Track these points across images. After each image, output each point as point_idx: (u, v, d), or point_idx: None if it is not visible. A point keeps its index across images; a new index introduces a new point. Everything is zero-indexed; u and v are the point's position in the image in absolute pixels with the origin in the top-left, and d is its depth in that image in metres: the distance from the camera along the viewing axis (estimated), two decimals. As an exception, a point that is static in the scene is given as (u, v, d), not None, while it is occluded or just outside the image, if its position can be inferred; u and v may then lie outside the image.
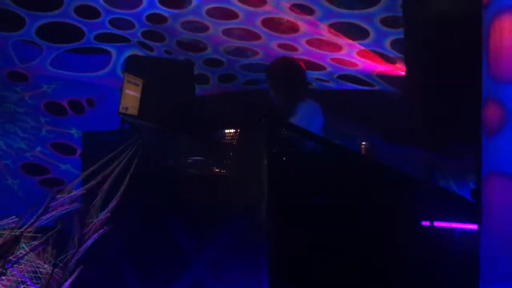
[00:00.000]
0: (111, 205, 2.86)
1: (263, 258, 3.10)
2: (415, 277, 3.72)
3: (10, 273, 2.41)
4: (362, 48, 4.85)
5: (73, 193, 2.79)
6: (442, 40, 3.47)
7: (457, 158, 5.10)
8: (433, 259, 3.79)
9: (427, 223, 4.00)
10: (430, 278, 3.77)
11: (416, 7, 3.71)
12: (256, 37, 5.02)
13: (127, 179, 3.09)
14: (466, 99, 3.07)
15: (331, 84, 5.75)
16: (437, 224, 4.04)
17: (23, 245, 2.46)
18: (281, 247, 3.14)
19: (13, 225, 2.50)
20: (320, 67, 5.38)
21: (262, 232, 3.15)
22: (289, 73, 4.03)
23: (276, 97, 4.05)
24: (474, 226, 3.84)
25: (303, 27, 4.71)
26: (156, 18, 4.87)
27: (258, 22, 4.76)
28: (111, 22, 4.95)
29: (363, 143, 4.01)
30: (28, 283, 2.42)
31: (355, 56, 5.00)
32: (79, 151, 5.98)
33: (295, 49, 5.12)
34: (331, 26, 4.61)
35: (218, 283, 3.28)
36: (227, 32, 5.04)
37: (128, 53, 5.43)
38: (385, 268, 3.59)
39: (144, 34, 5.16)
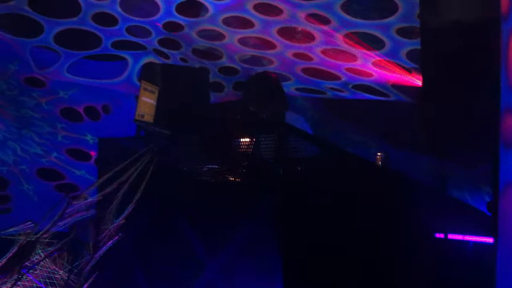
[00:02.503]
0: (126, 212, 2.87)
1: (276, 262, 3.10)
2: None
3: (25, 278, 2.43)
4: (378, 58, 4.84)
5: (88, 200, 2.80)
6: (459, 50, 3.45)
7: (471, 168, 5.06)
8: (446, 271, 3.76)
9: (441, 235, 3.96)
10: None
11: (433, 17, 3.69)
12: (272, 46, 5.03)
13: (142, 186, 3.11)
14: (482, 109, 3.05)
15: (346, 94, 5.74)
16: (451, 236, 4.01)
17: (39, 251, 2.47)
18: (295, 251, 3.14)
19: (29, 230, 2.52)
20: (335, 77, 5.38)
21: (275, 236, 3.15)
22: (270, 88, 4.07)
23: (258, 111, 4.06)
24: (488, 239, 3.80)
25: (318, 36, 4.72)
26: (173, 26, 4.90)
27: (274, 31, 4.77)
28: (128, 29, 4.98)
29: (378, 153, 4.00)
30: (43, 288, 2.44)
31: (370, 66, 4.99)
32: (94, 157, 6.02)
33: (310, 59, 5.12)
34: (346, 36, 4.61)
35: (231, 287, 3.28)
36: (243, 41, 5.05)
37: (144, 60, 5.47)
38: (398, 278, 3.57)
39: (160, 41, 5.19)
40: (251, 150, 3.45)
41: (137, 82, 5.34)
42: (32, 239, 2.44)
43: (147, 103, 3.85)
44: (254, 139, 3.44)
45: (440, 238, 3.89)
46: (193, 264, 3.40)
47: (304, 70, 5.41)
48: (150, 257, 3.60)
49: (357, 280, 3.38)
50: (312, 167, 3.48)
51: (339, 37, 4.62)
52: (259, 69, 5.38)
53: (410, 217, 3.58)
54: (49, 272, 2.47)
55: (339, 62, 5.03)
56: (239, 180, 3.47)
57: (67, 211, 2.62)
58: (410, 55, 4.65)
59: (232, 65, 5.54)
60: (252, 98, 4.07)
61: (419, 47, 4.22)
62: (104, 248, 2.72)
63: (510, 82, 2.06)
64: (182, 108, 4.05)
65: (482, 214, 4.11)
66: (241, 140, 3.51)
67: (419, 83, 4.74)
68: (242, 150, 3.49)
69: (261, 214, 3.18)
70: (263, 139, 3.35)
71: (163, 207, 3.57)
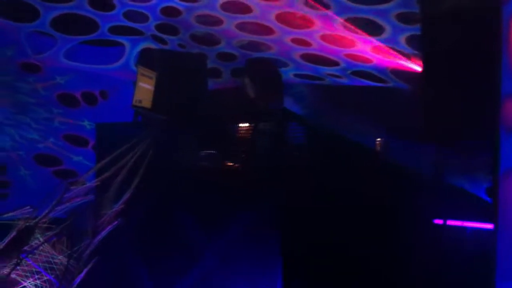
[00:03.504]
0: (125, 197, 2.86)
1: (274, 250, 3.11)
2: (426, 273, 3.70)
3: (25, 263, 2.42)
4: (377, 44, 4.82)
5: (86, 185, 2.79)
6: (459, 36, 3.44)
7: (470, 156, 5.06)
8: (444, 257, 3.77)
9: (440, 221, 3.98)
10: (441, 275, 3.75)
11: (433, 3, 3.68)
12: (270, 31, 5.00)
13: (140, 171, 3.10)
14: (482, 96, 3.04)
15: (344, 80, 5.72)
16: (449, 222, 4.03)
17: (38, 236, 2.47)
18: (292, 240, 3.14)
19: (28, 215, 2.51)
20: (333, 63, 5.35)
21: (273, 225, 3.15)
22: (269, 75, 4.08)
23: (257, 98, 4.07)
24: (485, 225, 3.81)
25: (317, 22, 4.69)
26: (170, 11, 4.86)
27: (273, 16, 4.74)
28: (126, 14, 4.94)
29: (378, 139, 4.00)
30: (43, 273, 2.43)
31: (370, 52, 4.97)
32: (91, 143, 6.00)
33: (309, 44, 5.09)
34: (346, 21, 4.58)
35: (229, 275, 3.28)
36: (241, 26, 5.02)
37: (141, 46, 5.43)
38: (396, 264, 3.58)
39: (158, 27, 5.15)
40: (250, 136, 3.44)
41: (135, 68, 5.31)
42: (31, 224, 2.44)
43: (144, 88, 3.83)
44: (253, 126, 3.43)
45: (439, 225, 3.90)
46: (191, 252, 3.41)
47: (303, 56, 5.38)
48: (149, 244, 3.60)
49: (357, 267, 3.39)
50: (312, 155, 3.48)
51: (338, 22, 4.59)
52: (258, 55, 5.36)
53: (410, 204, 3.59)
54: (48, 257, 2.47)
55: (338, 48, 5.01)
56: (238, 166, 3.46)
57: (65, 196, 2.62)
58: (410, 40, 4.62)
59: (230, 51, 5.51)
60: (251, 85, 4.06)
61: (418, 33, 4.20)
62: (103, 233, 2.71)
63: (511, 66, 2.05)
64: (180, 94, 4.02)
65: (481, 201, 4.12)
66: (240, 126, 3.50)
67: (418, 69, 4.72)
68: (241, 136, 3.49)
69: (262, 204, 3.18)
70: (262, 125, 3.34)
71: (161, 194, 3.56)
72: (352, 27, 4.60)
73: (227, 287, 3.30)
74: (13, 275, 2.35)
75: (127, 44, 5.48)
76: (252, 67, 4.26)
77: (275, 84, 4.17)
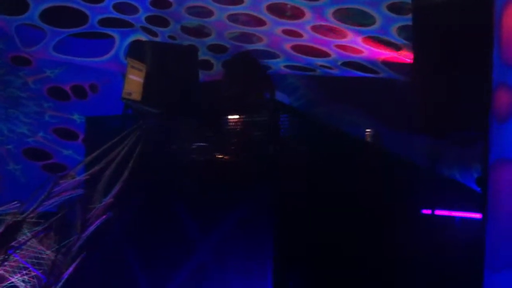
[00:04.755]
0: (114, 191, 2.84)
1: (267, 243, 3.10)
2: (416, 264, 3.71)
3: (12, 259, 2.40)
4: (368, 34, 4.80)
5: (76, 179, 2.77)
6: (451, 26, 3.42)
7: (461, 146, 5.07)
8: (433, 247, 3.78)
9: (428, 211, 3.99)
10: (431, 265, 3.76)
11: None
12: (261, 23, 4.98)
13: (130, 164, 3.08)
14: (474, 86, 3.03)
15: (335, 71, 5.71)
16: (438, 212, 4.03)
17: (26, 231, 2.44)
18: (285, 232, 3.13)
19: (15, 210, 2.48)
20: (324, 54, 5.34)
21: (266, 218, 3.14)
22: (249, 69, 4.09)
23: (242, 93, 4.05)
24: (475, 214, 3.82)
25: (308, 13, 4.66)
26: (161, 3, 4.82)
27: (264, 7, 4.71)
28: (115, 6, 4.90)
29: (367, 130, 4.00)
30: (30, 268, 2.41)
31: (361, 43, 4.95)
32: (81, 137, 5.96)
33: (300, 35, 5.07)
34: (337, 11, 4.56)
35: (222, 267, 3.28)
36: (232, 18, 4.99)
37: (131, 38, 5.39)
38: (386, 255, 3.59)
39: (148, 19, 5.12)
40: (241, 128, 3.42)
41: (125, 60, 5.27)
42: (19, 219, 2.41)
43: (134, 81, 3.80)
44: (244, 118, 3.42)
45: (427, 214, 3.91)
46: (185, 245, 3.40)
47: (294, 47, 5.36)
48: (141, 237, 3.59)
49: (345, 257, 3.39)
50: (304, 146, 3.47)
51: (329, 13, 4.57)
52: (249, 47, 5.34)
53: (399, 194, 3.59)
54: (36, 252, 2.45)
55: (329, 39, 4.99)
56: (229, 158, 3.45)
57: (54, 190, 2.59)
58: (401, 31, 4.61)
59: (221, 42, 5.48)
60: (232, 81, 4.06)
61: (410, 23, 4.18)
62: (92, 228, 2.69)
63: (503, 54, 2.03)
64: (171, 86, 4.00)
65: (470, 191, 4.13)
66: (232, 118, 3.49)
67: (409, 60, 4.71)
68: (233, 128, 3.47)
69: (254, 195, 3.17)
70: (253, 117, 3.33)
71: (154, 187, 3.55)
72: (343, 18, 4.59)
73: (220, 281, 3.29)
74: (0, 271, 2.33)
75: (117, 37, 5.44)
76: (232, 62, 4.26)
77: (257, 78, 4.15)
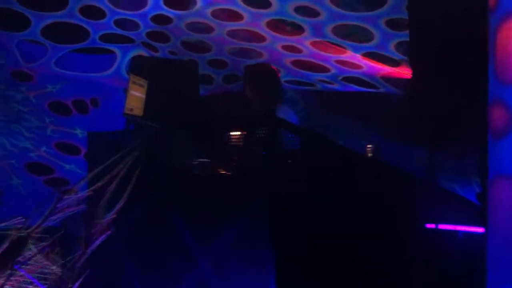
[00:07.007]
0: (118, 206, 2.86)
1: (268, 256, 3.11)
2: (419, 279, 3.72)
3: (18, 273, 2.42)
4: (367, 50, 4.85)
5: (79, 194, 2.79)
6: (447, 42, 3.48)
7: (461, 158, 5.10)
8: (437, 261, 3.79)
9: (432, 225, 4.00)
10: (434, 280, 3.77)
11: (422, 9, 3.71)
12: (261, 38, 5.03)
13: (133, 180, 3.10)
14: (471, 99, 3.08)
15: (336, 86, 5.75)
16: (441, 226, 4.04)
17: (31, 246, 2.46)
18: (286, 245, 3.15)
19: (20, 225, 2.51)
20: (324, 69, 5.38)
21: (267, 231, 3.16)
22: (268, 79, 4.18)
23: (257, 102, 4.14)
24: (478, 229, 3.84)
25: (307, 29, 4.72)
26: (161, 19, 4.88)
27: (263, 23, 4.76)
28: (116, 22, 4.95)
29: (369, 145, 4.02)
30: (36, 284, 2.43)
31: (360, 59, 5.00)
32: (83, 151, 5.99)
33: (300, 51, 5.12)
34: (335, 28, 4.61)
35: (223, 281, 3.29)
36: (232, 34, 5.04)
37: (132, 53, 5.44)
38: (389, 269, 3.60)
39: (148, 34, 5.17)
40: (242, 144, 3.45)
41: (126, 76, 5.31)
42: (24, 234, 2.43)
43: (136, 96, 3.83)
44: (245, 133, 3.44)
45: (431, 229, 3.92)
46: (185, 259, 3.41)
47: (294, 63, 5.41)
48: (142, 252, 3.60)
49: (349, 272, 3.40)
50: (304, 161, 3.49)
51: (328, 30, 4.62)
52: (249, 62, 5.38)
53: (401, 209, 3.60)
54: (41, 267, 2.47)
55: (329, 54, 5.04)
56: (230, 174, 3.47)
57: (58, 206, 2.61)
58: (399, 47, 4.66)
59: (221, 57, 5.53)
60: (253, 88, 4.14)
61: (407, 39, 4.24)
62: (97, 243, 2.71)
63: (497, 74, 2.07)
64: (172, 101, 4.03)
65: (472, 205, 4.14)
66: (232, 133, 3.51)
67: (408, 75, 4.76)
68: (234, 144, 3.49)
69: (254, 209, 3.18)
70: (254, 132, 3.35)
71: (155, 202, 3.56)
72: (342, 34, 4.63)
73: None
74: (6, 287, 2.35)
75: (118, 52, 5.49)
76: (252, 71, 4.35)
77: (275, 88, 4.25)
